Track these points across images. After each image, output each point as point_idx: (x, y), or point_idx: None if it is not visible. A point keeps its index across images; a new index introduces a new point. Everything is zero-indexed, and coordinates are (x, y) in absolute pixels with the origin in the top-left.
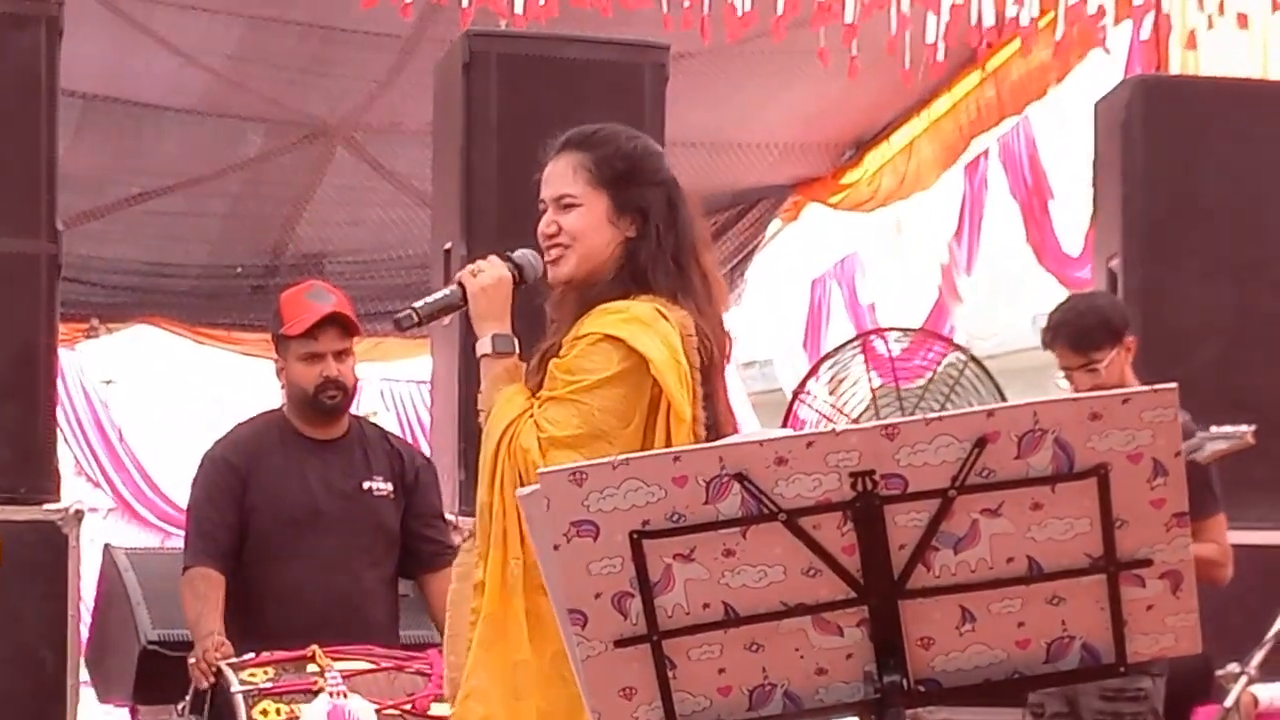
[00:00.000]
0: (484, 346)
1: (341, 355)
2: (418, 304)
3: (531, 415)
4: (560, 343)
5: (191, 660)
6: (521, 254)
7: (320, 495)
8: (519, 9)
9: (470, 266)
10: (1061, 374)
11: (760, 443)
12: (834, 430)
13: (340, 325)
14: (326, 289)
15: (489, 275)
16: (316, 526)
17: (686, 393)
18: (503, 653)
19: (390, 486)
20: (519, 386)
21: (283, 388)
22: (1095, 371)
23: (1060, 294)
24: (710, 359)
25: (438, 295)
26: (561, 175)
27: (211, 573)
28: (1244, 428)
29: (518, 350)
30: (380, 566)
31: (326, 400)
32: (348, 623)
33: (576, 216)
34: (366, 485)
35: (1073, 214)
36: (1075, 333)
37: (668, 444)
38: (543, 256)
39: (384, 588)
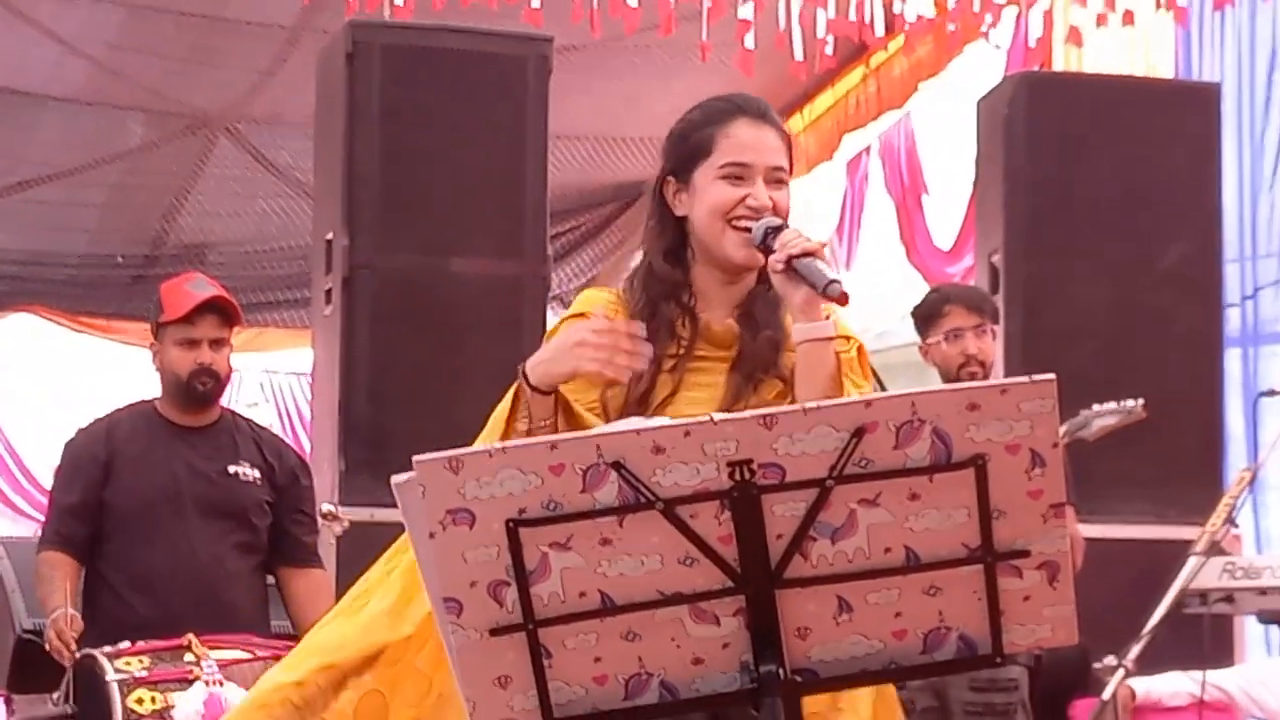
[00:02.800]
0: (828, 329)
1: (218, 344)
2: (830, 272)
3: None
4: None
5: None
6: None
7: (183, 479)
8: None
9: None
10: (945, 339)
11: (638, 431)
12: (711, 419)
13: (219, 313)
14: (207, 281)
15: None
16: (179, 510)
17: None
18: None
19: (257, 474)
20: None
21: (158, 374)
22: (985, 335)
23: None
24: None
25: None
26: (777, 148)
27: (59, 556)
28: (1132, 402)
29: None
30: (247, 553)
31: (199, 386)
32: (212, 607)
33: (786, 195)
34: (233, 470)
35: (946, 210)
36: (973, 294)
37: None
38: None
39: (250, 574)
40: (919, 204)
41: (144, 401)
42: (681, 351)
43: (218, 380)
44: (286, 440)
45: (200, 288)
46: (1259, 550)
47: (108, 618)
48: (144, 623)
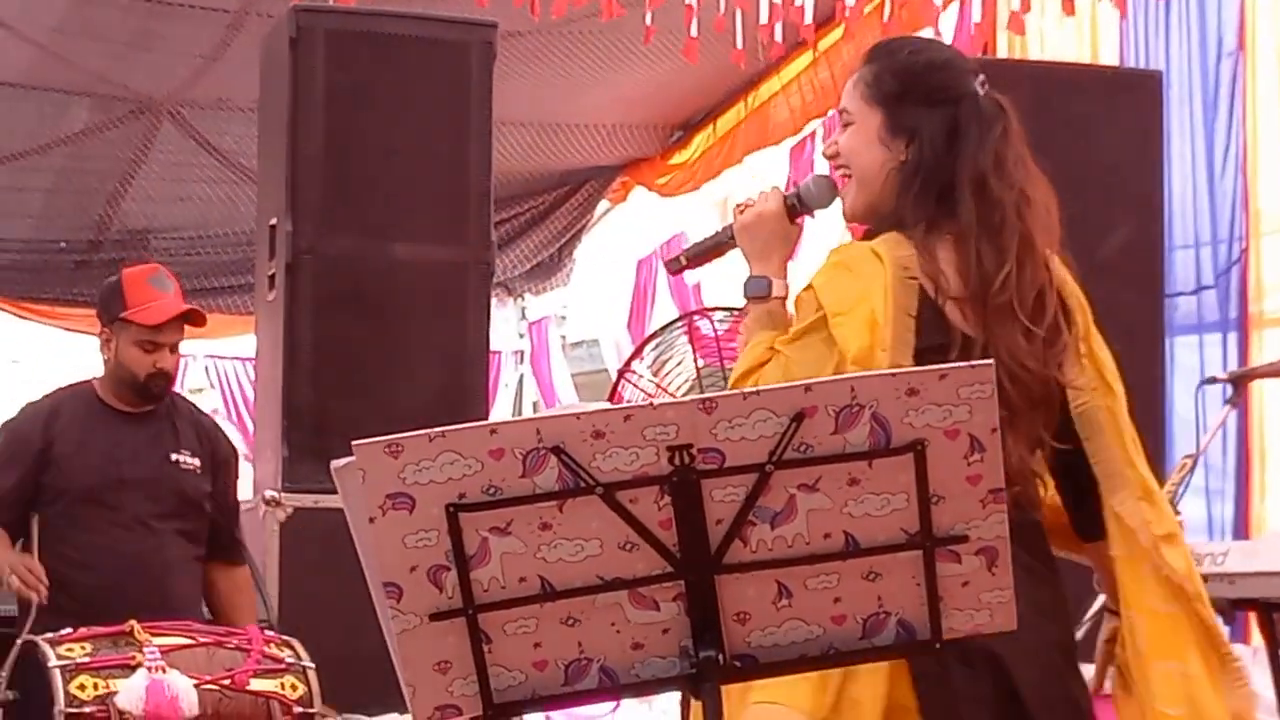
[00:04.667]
0: (742, 291)
1: (175, 348)
2: (687, 247)
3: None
4: None
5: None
6: (807, 182)
7: (125, 463)
8: None
9: (746, 200)
10: None
11: (578, 415)
12: (651, 404)
13: (184, 320)
14: (167, 275)
15: (752, 211)
16: (121, 494)
17: (868, 333)
18: None
19: (198, 462)
20: (770, 335)
21: (106, 361)
22: None
23: None
24: (959, 293)
25: (708, 235)
26: (848, 90)
27: None
28: None
29: (775, 292)
30: (187, 539)
31: (154, 388)
32: (151, 592)
33: (850, 134)
34: (174, 457)
35: None
36: None
37: None
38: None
39: (190, 560)
40: None
41: (84, 382)
42: None
43: (170, 381)
44: (231, 426)
45: (163, 286)
46: (1211, 537)
47: (54, 601)
48: (82, 608)
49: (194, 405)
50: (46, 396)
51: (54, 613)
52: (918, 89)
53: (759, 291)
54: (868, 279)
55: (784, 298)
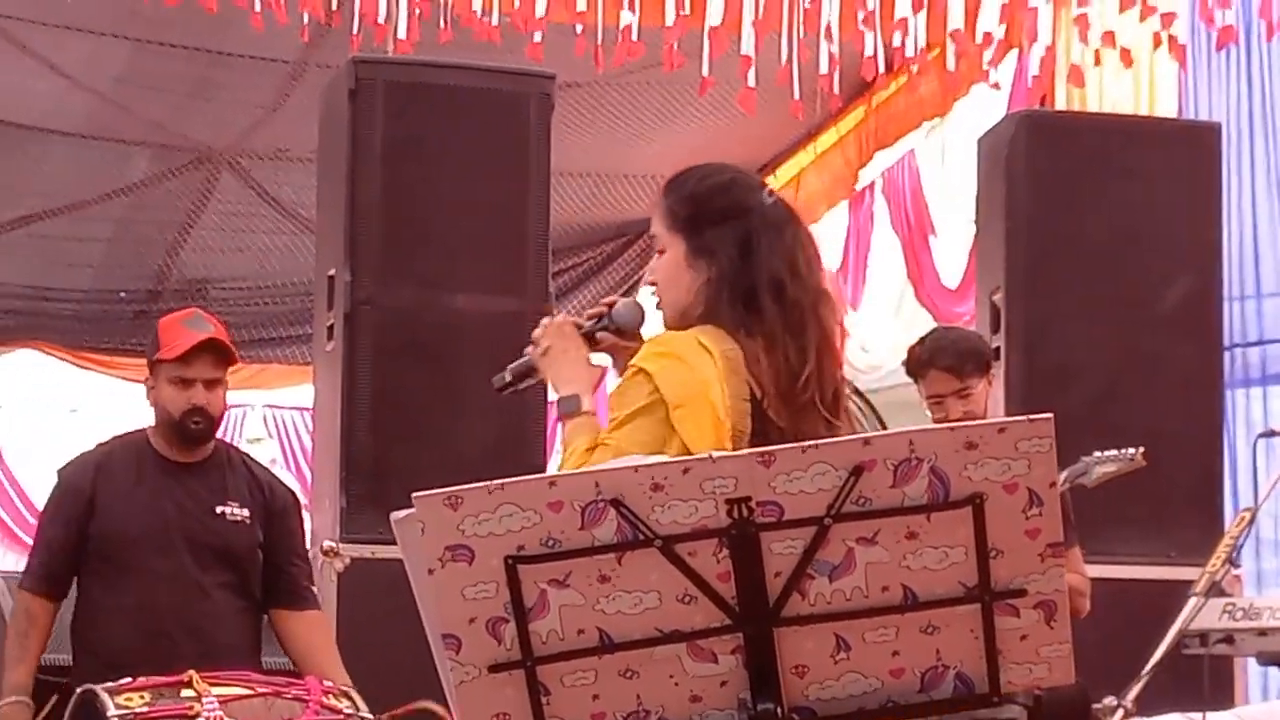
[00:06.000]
0: (557, 410)
1: (212, 384)
2: (511, 365)
3: None
4: None
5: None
6: (618, 306)
7: (170, 517)
8: (403, 34)
9: (539, 331)
10: (928, 403)
11: (636, 468)
12: (710, 457)
13: (215, 353)
14: (205, 317)
15: (544, 343)
16: (164, 548)
17: (712, 430)
18: None
19: (247, 513)
20: (589, 438)
21: (152, 407)
22: (968, 398)
23: None
24: (773, 392)
25: (521, 359)
26: (654, 219)
27: (39, 606)
28: (1132, 450)
29: (584, 407)
30: (234, 591)
31: (192, 426)
32: (197, 645)
33: (661, 262)
34: (220, 509)
35: (953, 248)
36: (953, 358)
37: None
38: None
39: (237, 613)
40: (925, 242)
41: (138, 431)
42: None
43: (210, 420)
44: (289, 475)
45: (197, 325)
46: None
47: (95, 650)
48: (126, 660)
49: (248, 456)
50: (99, 445)
51: (97, 664)
52: (709, 211)
53: (570, 409)
54: (701, 369)
55: (593, 412)
